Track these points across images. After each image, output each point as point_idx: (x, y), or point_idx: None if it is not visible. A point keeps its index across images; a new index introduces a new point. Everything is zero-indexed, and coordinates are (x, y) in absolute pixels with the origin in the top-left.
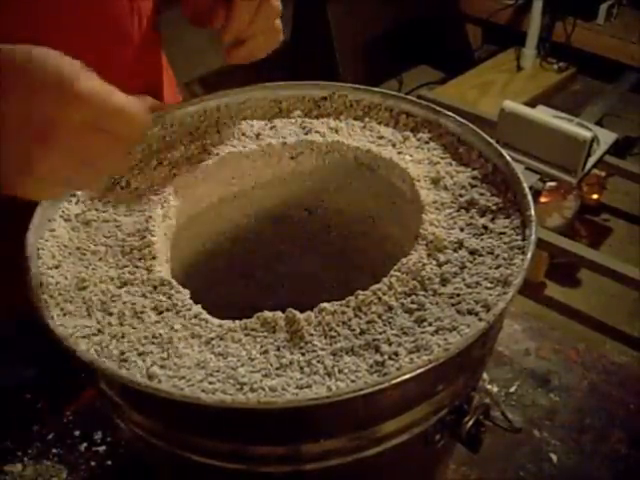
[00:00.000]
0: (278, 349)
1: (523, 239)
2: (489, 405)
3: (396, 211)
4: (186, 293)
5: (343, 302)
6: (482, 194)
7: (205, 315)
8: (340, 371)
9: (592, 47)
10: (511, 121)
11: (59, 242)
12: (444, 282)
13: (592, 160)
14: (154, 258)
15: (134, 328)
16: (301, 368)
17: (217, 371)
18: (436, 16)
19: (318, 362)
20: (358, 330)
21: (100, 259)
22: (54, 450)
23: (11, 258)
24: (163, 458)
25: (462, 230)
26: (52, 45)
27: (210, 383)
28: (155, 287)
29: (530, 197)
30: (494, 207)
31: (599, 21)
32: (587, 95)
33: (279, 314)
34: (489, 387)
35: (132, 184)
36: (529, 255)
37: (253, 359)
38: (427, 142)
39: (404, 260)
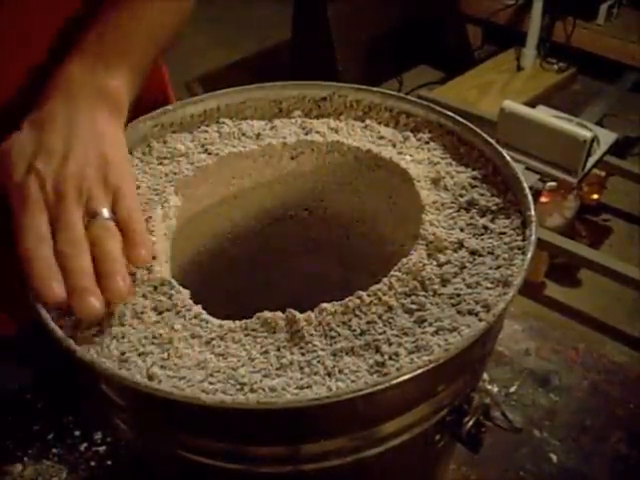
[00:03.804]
0: (278, 349)
1: (523, 239)
2: (489, 405)
3: (396, 211)
4: (186, 293)
5: (343, 302)
6: (482, 194)
7: (205, 315)
8: (340, 371)
9: (592, 47)
10: (511, 121)
11: None
12: (444, 282)
13: (592, 160)
14: (154, 258)
15: (134, 328)
16: (301, 368)
17: (217, 371)
18: (436, 16)
19: (318, 362)
20: (358, 330)
21: None
22: (54, 450)
23: (11, 259)
24: (163, 458)
25: (462, 230)
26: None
27: (210, 383)
28: (155, 287)
29: (530, 197)
30: (494, 207)
31: (599, 21)
32: (587, 95)
33: (279, 314)
34: (489, 387)
35: None
36: (529, 255)
37: (253, 359)
38: (427, 142)
39: (404, 260)
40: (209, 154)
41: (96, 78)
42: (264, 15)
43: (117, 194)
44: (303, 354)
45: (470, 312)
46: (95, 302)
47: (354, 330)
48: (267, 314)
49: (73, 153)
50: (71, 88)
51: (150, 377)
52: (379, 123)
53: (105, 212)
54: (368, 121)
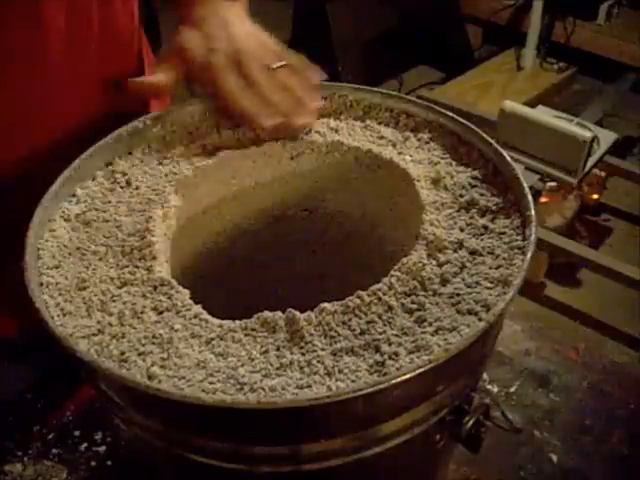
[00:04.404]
0: (278, 349)
1: (523, 239)
2: (489, 405)
3: (396, 211)
4: (186, 293)
5: (343, 302)
6: (482, 194)
7: (205, 315)
8: (340, 371)
9: (592, 47)
10: (511, 121)
11: (59, 242)
12: (444, 282)
13: (592, 160)
14: (154, 258)
15: (134, 328)
16: (301, 368)
17: (217, 371)
18: (436, 16)
19: (318, 362)
20: (358, 330)
21: (100, 259)
22: (54, 450)
23: (11, 258)
24: (163, 458)
25: (462, 230)
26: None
27: (210, 383)
28: (155, 287)
29: (530, 197)
30: (494, 207)
31: (599, 21)
32: (587, 95)
33: (279, 314)
34: (489, 387)
35: (132, 184)
36: (529, 255)
37: (253, 359)
38: (427, 142)
39: (404, 260)
40: (209, 154)
41: None
42: (264, 15)
43: (280, 55)
44: (303, 354)
45: (470, 312)
46: (304, 118)
47: (354, 330)
48: (267, 314)
49: (232, 34)
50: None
51: (150, 377)
52: (379, 123)
53: (278, 65)
54: (368, 121)
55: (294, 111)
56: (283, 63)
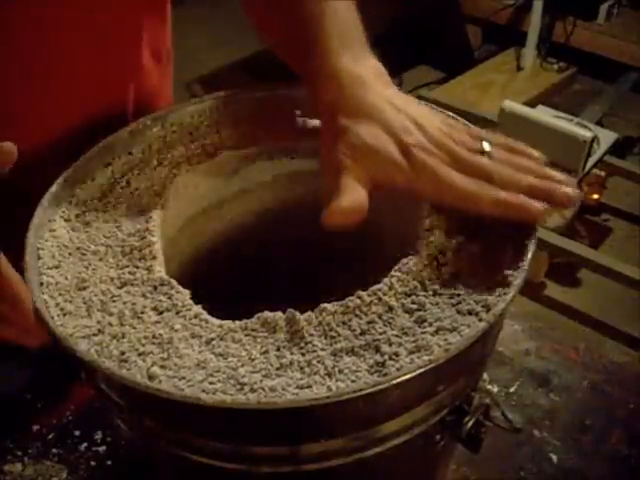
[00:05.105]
0: (278, 349)
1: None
2: (489, 405)
3: (396, 211)
4: (186, 293)
5: (343, 302)
6: None
7: (205, 315)
8: (340, 371)
9: (592, 47)
10: (511, 121)
11: (59, 242)
12: (444, 282)
13: (592, 160)
14: (154, 258)
15: (134, 328)
16: (301, 368)
17: (217, 371)
18: (436, 16)
19: (318, 362)
20: (358, 330)
21: (100, 259)
22: (54, 450)
23: (11, 258)
24: (163, 458)
25: (463, 230)
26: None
27: (210, 383)
28: (155, 287)
29: None
30: None
31: (599, 21)
32: (587, 95)
33: (279, 314)
34: (489, 387)
35: (132, 184)
36: (529, 255)
37: (253, 359)
38: None
39: (404, 260)
40: (209, 154)
41: (366, 63)
42: None
43: (475, 133)
44: (303, 354)
45: (470, 312)
46: (569, 188)
47: (354, 330)
48: (267, 314)
49: (414, 118)
50: (356, 79)
51: (150, 377)
52: None
53: (488, 145)
54: None
55: (549, 186)
56: (498, 142)
